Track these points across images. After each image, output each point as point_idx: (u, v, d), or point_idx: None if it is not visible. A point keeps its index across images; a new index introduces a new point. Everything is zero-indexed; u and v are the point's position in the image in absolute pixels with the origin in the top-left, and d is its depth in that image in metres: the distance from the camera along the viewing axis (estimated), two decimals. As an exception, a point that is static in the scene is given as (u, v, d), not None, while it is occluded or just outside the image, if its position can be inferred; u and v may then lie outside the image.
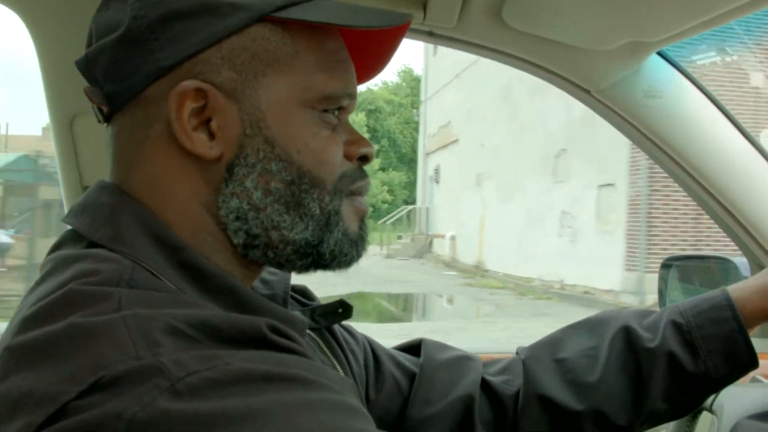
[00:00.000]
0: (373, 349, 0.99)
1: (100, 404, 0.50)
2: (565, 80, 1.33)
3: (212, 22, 0.67)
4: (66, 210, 1.18)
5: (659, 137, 1.33)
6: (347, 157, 0.74)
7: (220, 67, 0.67)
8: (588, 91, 1.33)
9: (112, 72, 0.69)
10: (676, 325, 0.92)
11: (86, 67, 0.71)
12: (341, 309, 0.88)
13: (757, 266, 1.37)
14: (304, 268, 0.74)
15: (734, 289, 0.94)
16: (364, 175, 0.76)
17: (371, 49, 0.79)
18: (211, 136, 0.68)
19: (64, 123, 1.22)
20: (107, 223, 0.67)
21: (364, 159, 0.76)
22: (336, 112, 0.73)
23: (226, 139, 0.68)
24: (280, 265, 0.73)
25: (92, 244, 0.66)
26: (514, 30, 1.19)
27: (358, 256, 0.76)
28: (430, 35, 1.25)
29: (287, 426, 0.51)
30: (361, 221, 0.76)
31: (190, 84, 0.66)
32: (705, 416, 1.06)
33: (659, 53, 1.29)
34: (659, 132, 1.33)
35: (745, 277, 1.33)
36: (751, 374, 0.94)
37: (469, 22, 1.20)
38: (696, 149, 1.33)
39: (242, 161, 0.68)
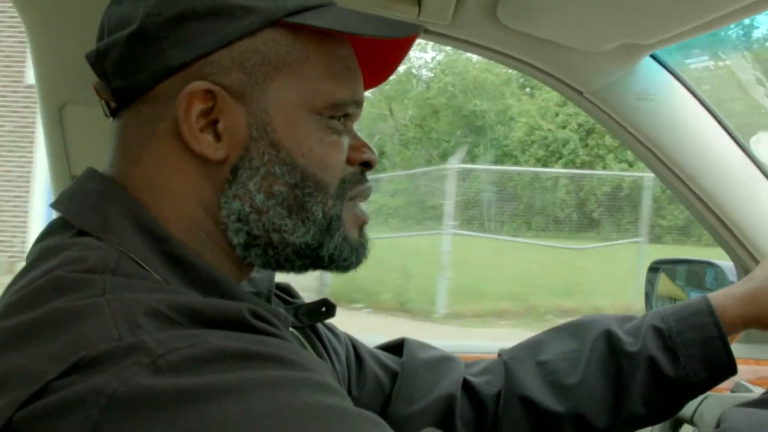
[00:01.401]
0: (356, 348, 1.00)
1: (81, 382, 0.51)
2: (558, 80, 1.33)
3: (224, 24, 0.67)
4: (54, 197, 1.17)
5: (650, 140, 1.34)
6: (349, 162, 0.75)
7: (230, 69, 0.68)
8: (580, 92, 1.34)
9: (122, 68, 0.69)
10: (657, 330, 0.93)
11: (96, 60, 0.71)
12: (324, 308, 0.89)
13: (743, 271, 1.38)
14: (303, 268, 0.75)
15: (715, 296, 0.95)
16: (365, 180, 0.77)
17: (378, 57, 0.80)
18: (218, 137, 0.68)
19: (53, 112, 1.21)
20: (95, 212, 0.67)
21: (367, 165, 0.77)
22: (342, 119, 0.73)
23: (232, 142, 0.68)
24: (279, 265, 0.74)
25: (80, 232, 0.66)
26: (508, 28, 1.19)
27: (358, 262, 0.77)
28: (425, 32, 1.24)
29: (266, 401, 0.51)
30: (361, 229, 0.77)
31: (199, 85, 0.67)
32: (686, 428, 1.06)
33: (653, 56, 1.29)
34: (650, 135, 1.33)
35: (732, 282, 1.33)
36: (736, 379, 0.95)
37: (464, 19, 1.20)
38: (686, 153, 1.33)
39: (247, 164, 0.69)
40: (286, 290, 0.94)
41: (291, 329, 0.86)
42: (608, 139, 17.06)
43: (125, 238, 0.65)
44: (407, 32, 0.72)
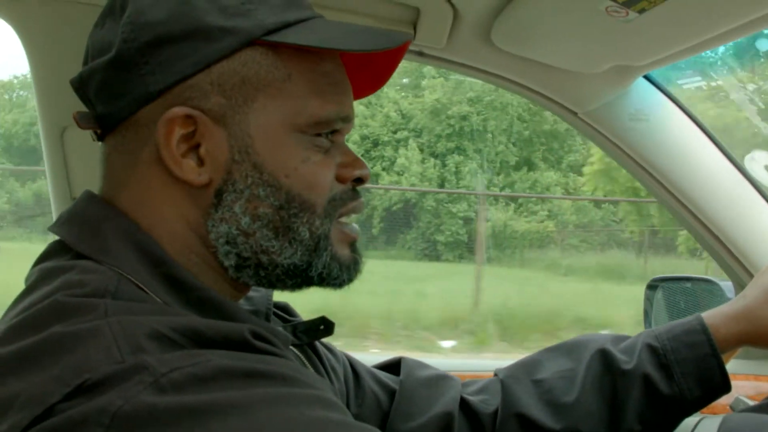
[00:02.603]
0: (353, 366, 1.00)
1: (86, 403, 0.51)
2: (553, 102, 1.34)
3: (202, 46, 0.66)
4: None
5: (645, 160, 1.35)
6: (340, 179, 0.73)
7: (210, 93, 0.67)
8: (575, 113, 1.35)
9: (103, 94, 0.69)
10: (651, 348, 0.94)
11: (80, 86, 0.71)
12: (323, 326, 0.88)
13: (741, 289, 1.38)
14: (295, 287, 0.74)
15: (708, 315, 0.96)
16: (356, 196, 0.76)
17: (372, 66, 0.79)
18: (200, 161, 0.68)
19: (54, 134, 1.21)
20: (94, 235, 0.67)
21: (359, 181, 0.75)
22: (329, 135, 0.72)
23: (215, 165, 0.68)
24: (271, 284, 0.74)
25: (78, 255, 0.66)
26: (502, 51, 1.20)
27: (350, 279, 0.76)
28: (420, 55, 1.26)
29: (268, 418, 0.52)
30: (352, 246, 0.76)
31: (179, 111, 0.66)
32: None
33: (646, 77, 1.30)
34: (645, 155, 1.34)
35: (730, 299, 1.34)
36: (734, 395, 0.95)
37: (459, 42, 1.21)
38: (681, 172, 1.34)
39: (230, 187, 0.68)
40: (284, 309, 0.94)
41: (290, 347, 0.86)
42: (389, 151, 16.79)
43: (124, 261, 0.65)
44: (392, 44, 0.70)
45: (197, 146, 0.67)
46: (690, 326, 0.95)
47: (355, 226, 0.77)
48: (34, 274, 0.66)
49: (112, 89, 0.68)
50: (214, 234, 0.69)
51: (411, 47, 1.24)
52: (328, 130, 0.71)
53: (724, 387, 0.93)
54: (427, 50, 1.25)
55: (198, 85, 0.67)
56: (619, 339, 0.99)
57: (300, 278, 0.73)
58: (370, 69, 0.79)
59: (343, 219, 0.76)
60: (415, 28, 1.18)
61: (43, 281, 0.64)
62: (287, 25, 0.69)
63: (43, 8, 1.06)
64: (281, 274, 0.72)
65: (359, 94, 0.80)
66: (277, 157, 0.68)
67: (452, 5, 1.11)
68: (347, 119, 0.73)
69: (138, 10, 0.67)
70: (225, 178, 0.68)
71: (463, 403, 0.99)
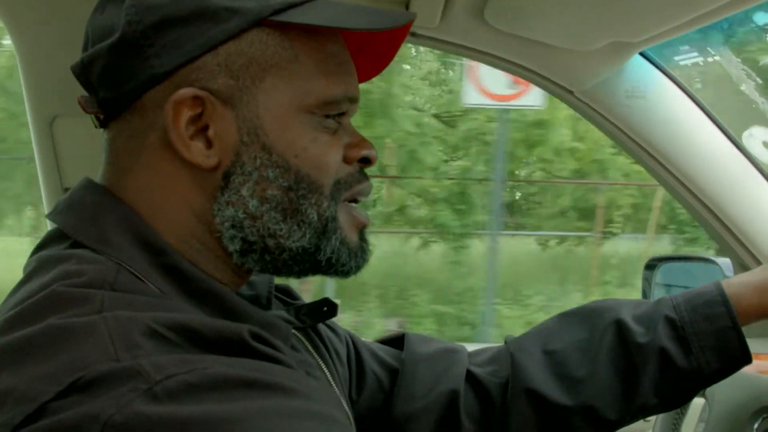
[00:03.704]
0: (356, 346, 0.99)
1: (78, 405, 0.50)
2: (548, 80, 1.33)
3: (208, 27, 0.65)
4: (47, 210, 1.17)
5: (642, 138, 1.34)
6: (347, 160, 0.73)
7: (217, 74, 0.66)
8: (571, 92, 1.34)
9: (107, 78, 0.68)
10: (668, 320, 0.91)
11: (81, 72, 0.70)
12: (326, 308, 0.87)
13: (740, 267, 1.38)
14: (302, 274, 0.74)
15: (729, 284, 0.92)
16: (364, 178, 0.75)
17: (372, 48, 0.78)
18: (209, 144, 0.67)
19: (44, 124, 1.21)
20: (92, 224, 0.66)
21: (366, 161, 0.75)
22: (336, 117, 0.72)
23: (224, 147, 0.67)
24: (276, 270, 0.73)
25: (76, 244, 0.65)
26: (496, 30, 1.19)
27: (357, 267, 0.75)
28: (413, 35, 1.25)
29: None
30: (362, 232, 0.76)
31: (187, 92, 0.65)
32: (697, 401, 1.06)
33: (642, 54, 1.29)
34: (642, 132, 1.33)
35: (728, 278, 1.33)
36: (744, 370, 0.94)
37: (452, 22, 1.20)
38: (679, 150, 1.33)
39: (239, 169, 0.67)
40: (286, 291, 0.93)
41: (293, 330, 0.86)
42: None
43: (123, 250, 0.64)
44: (398, 22, 0.70)
45: (205, 128, 0.67)
46: (710, 297, 0.90)
47: (365, 213, 0.76)
48: (33, 263, 0.66)
49: (117, 73, 0.67)
50: (220, 218, 0.68)
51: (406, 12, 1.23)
52: (336, 111, 0.71)
53: (744, 359, 0.90)
54: (420, 30, 1.24)
55: (205, 67, 0.66)
56: (636, 306, 0.96)
57: (308, 263, 0.72)
58: (371, 51, 0.78)
59: (353, 203, 0.75)
60: (407, 8, 1.17)
61: (40, 270, 0.63)
62: (293, 5, 0.68)
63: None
64: (288, 259, 0.71)
65: (361, 78, 0.79)
66: (286, 138, 0.68)
67: (444, -16, 1.09)
68: (354, 100, 0.73)
69: None
70: (233, 160, 0.67)
71: (470, 376, 0.97)
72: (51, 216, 0.69)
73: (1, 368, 0.54)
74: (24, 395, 0.51)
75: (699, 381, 0.91)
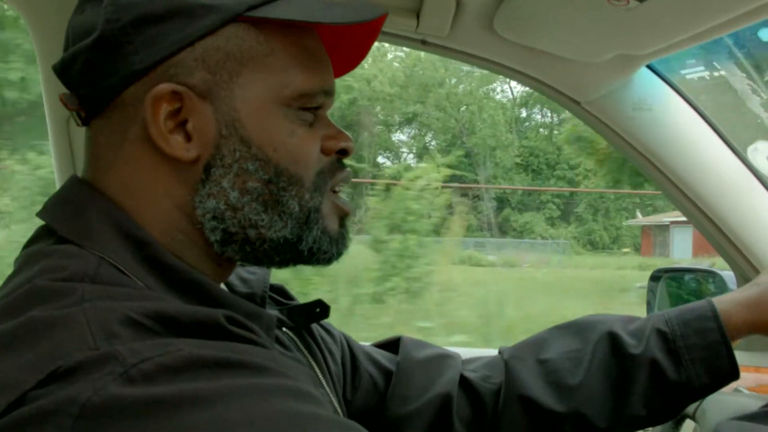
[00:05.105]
0: (350, 347, 1.00)
1: (57, 391, 0.51)
2: (556, 91, 1.34)
3: (185, 24, 0.67)
4: None
5: (648, 150, 1.34)
6: (325, 152, 0.74)
7: (195, 69, 0.67)
8: (578, 103, 1.35)
9: (87, 76, 0.69)
10: (660, 333, 0.93)
11: (62, 71, 0.71)
12: (319, 309, 0.89)
13: (743, 279, 1.38)
14: (282, 264, 0.75)
15: (720, 301, 0.95)
16: (343, 167, 0.76)
17: (347, 42, 0.79)
18: (188, 137, 0.68)
19: (60, 123, 1.22)
20: (76, 219, 0.67)
21: (343, 152, 0.76)
22: (313, 110, 0.73)
23: (203, 141, 0.68)
24: (257, 260, 0.74)
25: (62, 239, 0.66)
26: (505, 40, 1.20)
27: (338, 254, 0.76)
28: (423, 43, 1.26)
29: (238, 410, 0.52)
30: (342, 220, 0.77)
31: (165, 87, 0.66)
32: (688, 424, 1.07)
33: (649, 66, 1.30)
34: (648, 144, 1.34)
35: (731, 290, 1.34)
36: (734, 385, 0.95)
37: (462, 31, 1.21)
38: (684, 162, 1.34)
39: (219, 162, 0.69)
40: (280, 291, 0.94)
41: (285, 330, 0.86)
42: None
43: (106, 244, 0.65)
44: (372, 15, 0.71)
45: (184, 122, 0.68)
46: (701, 312, 0.93)
47: (348, 201, 0.77)
48: (21, 258, 0.67)
49: (97, 70, 0.68)
50: (201, 210, 0.69)
51: (414, 35, 1.24)
52: (314, 104, 0.72)
53: (732, 374, 0.92)
54: (431, 39, 1.25)
55: (183, 62, 0.67)
56: (628, 321, 0.99)
57: (289, 253, 0.73)
58: (345, 46, 0.79)
59: (337, 191, 0.76)
60: (418, 17, 1.18)
61: (26, 266, 0.65)
62: (268, 1, 0.69)
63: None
64: (269, 249, 0.72)
65: (336, 73, 0.80)
66: (264, 131, 0.69)
67: (455, -6, 1.11)
68: (329, 93, 0.74)
69: None
70: (213, 153, 0.69)
71: (464, 381, 0.99)
72: (40, 214, 0.70)
73: None
74: (5, 385, 0.52)
75: (688, 394, 0.93)
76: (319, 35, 0.75)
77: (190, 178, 0.69)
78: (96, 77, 0.68)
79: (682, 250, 19.88)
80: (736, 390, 1.16)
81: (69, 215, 0.68)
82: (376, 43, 0.84)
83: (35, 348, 0.54)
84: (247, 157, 0.69)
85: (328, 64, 0.75)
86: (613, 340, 0.95)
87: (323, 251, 0.74)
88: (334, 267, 0.78)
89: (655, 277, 1.57)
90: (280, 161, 0.70)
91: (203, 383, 0.52)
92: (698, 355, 0.91)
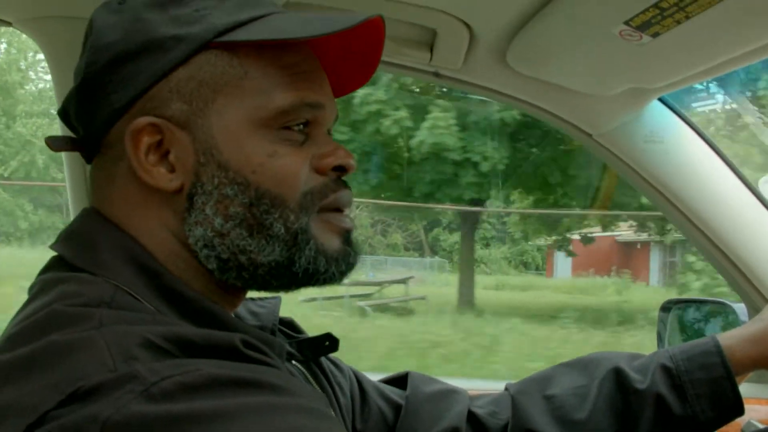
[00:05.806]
0: (359, 381, 1.00)
1: (78, 411, 0.52)
2: (568, 123, 1.35)
3: (157, 58, 0.68)
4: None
5: (659, 182, 1.35)
6: (318, 170, 0.72)
7: (170, 100, 0.69)
8: (590, 135, 1.36)
9: (81, 118, 0.72)
10: (665, 369, 0.94)
11: (63, 115, 0.75)
12: (328, 342, 0.88)
13: (754, 311, 1.38)
14: (282, 288, 0.74)
15: (724, 337, 0.96)
16: (339, 187, 0.74)
17: (353, 57, 0.78)
18: (172, 168, 0.69)
19: (76, 156, 1.22)
20: (88, 249, 0.69)
21: (341, 169, 0.74)
22: (302, 127, 0.72)
23: (184, 170, 0.69)
24: (258, 286, 0.73)
25: (75, 269, 0.67)
26: (517, 73, 1.22)
27: (340, 273, 0.73)
28: (436, 76, 1.27)
29: (256, 426, 0.53)
30: (346, 237, 0.74)
31: (142, 121, 0.68)
32: None
33: (660, 99, 1.31)
34: (659, 177, 1.35)
35: (744, 322, 1.33)
36: (746, 418, 0.95)
37: (475, 64, 1.23)
38: (695, 195, 1.34)
39: (200, 189, 0.69)
40: (289, 325, 0.94)
41: (294, 363, 0.87)
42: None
43: (119, 273, 0.66)
44: (353, 22, 0.68)
45: (167, 154, 0.69)
46: (705, 347, 0.94)
47: (346, 218, 0.75)
48: (37, 285, 0.68)
49: (86, 112, 0.71)
50: (192, 238, 0.70)
51: (427, 68, 1.26)
52: (296, 121, 0.71)
53: (737, 409, 0.92)
54: (444, 71, 1.27)
55: (158, 95, 0.69)
56: (633, 357, 0.99)
57: (285, 277, 0.72)
58: (354, 58, 0.78)
59: (332, 211, 0.73)
60: (431, 50, 1.20)
61: (42, 291, 0.66)
62: (240, 25, 0.70)
63: (67, 27, 1.08)
64: (264, 274, 0.71)
65: (352, 86, 0.80)
66: (243, 154, 0.69)
67: (468, 27, 1.12)
68: (315, 105, 0.72)
69: (97, 34, 0.70)
70: (194, 181, 0.69)
71: (471, 417, 0.99)
72: (54, 246, 0.72)
73: (3, 383, 0.56)
74: (26, 406, 0.53)
75: (693, 429, 0.93)
76: (320, 50, 0.74)
77: (179, 207, 0.70)
78: (86, 119, 0.71)
79: (563, 269, 21.70)
80: (748, 422, 1.16)
81: (81, 246, 0.69)
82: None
83: (55, 370, 0.55)
84: (225, 182, 0.68)
85: (316, 78, 0.73)
86: (618, 375, 0.96)
87: (321, 272, 0.72)
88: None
89: (666, 308, 1.57)
90: (260, 184, 0.69)
91: (222, 401, 0.53)
92: (703, 390, 0.92)
